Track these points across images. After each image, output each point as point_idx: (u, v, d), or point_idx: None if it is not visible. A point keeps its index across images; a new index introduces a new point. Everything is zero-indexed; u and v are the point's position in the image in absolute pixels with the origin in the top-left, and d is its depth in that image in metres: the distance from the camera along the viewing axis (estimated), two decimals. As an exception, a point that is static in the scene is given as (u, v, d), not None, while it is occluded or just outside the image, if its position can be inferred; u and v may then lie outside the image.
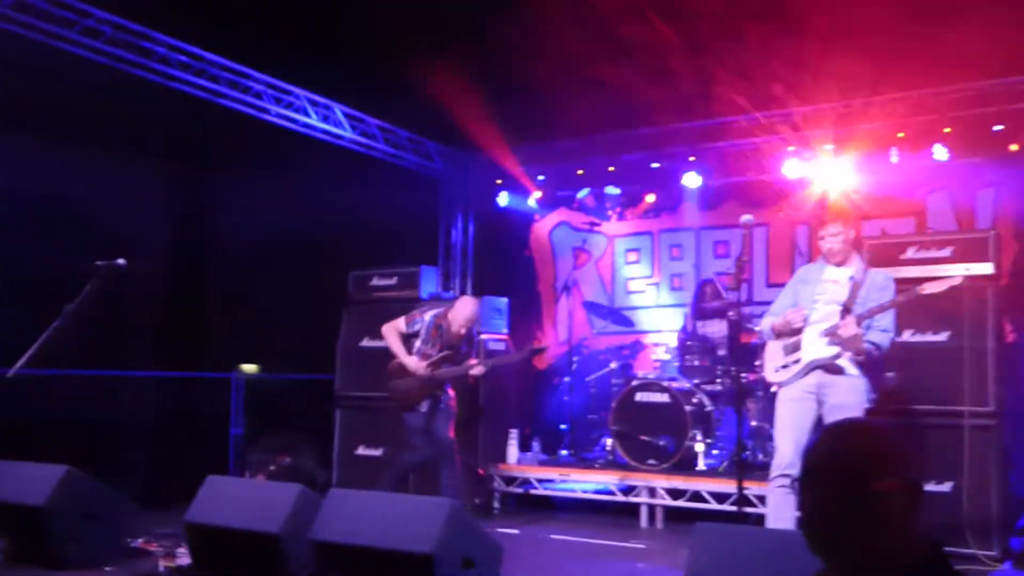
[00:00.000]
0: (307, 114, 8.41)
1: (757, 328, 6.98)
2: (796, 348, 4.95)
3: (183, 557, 5.06)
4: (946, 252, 5.91)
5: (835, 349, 4.78)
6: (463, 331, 6.35)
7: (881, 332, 4.81)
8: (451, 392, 6.40)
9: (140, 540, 5.67)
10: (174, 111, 7.95)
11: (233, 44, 7.56)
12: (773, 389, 5.26)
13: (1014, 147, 7.45)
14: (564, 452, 7.86)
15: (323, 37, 7.81)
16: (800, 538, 3.77)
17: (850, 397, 4.78)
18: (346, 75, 8.25)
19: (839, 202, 5.43)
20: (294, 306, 8.62)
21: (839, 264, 4.98)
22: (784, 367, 5.00)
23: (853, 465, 1.86)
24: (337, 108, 8.63)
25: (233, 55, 7.63)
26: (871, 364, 4.87)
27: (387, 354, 7.74)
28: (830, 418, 4.73)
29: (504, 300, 7.76)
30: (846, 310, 4.77)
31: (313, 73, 8.12)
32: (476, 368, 6.26)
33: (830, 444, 1.94)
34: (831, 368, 4.83)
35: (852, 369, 4.82)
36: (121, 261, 5.99)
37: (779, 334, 5.07)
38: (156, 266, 8.42)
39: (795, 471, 4.72)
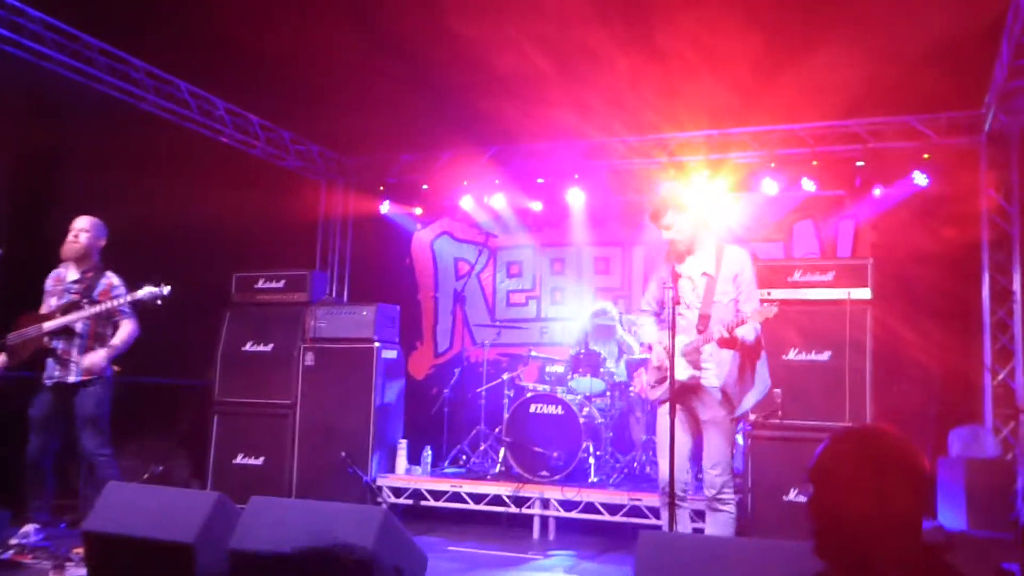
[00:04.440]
0: (188, 106, 8.05)
1: (637, 328, 6.84)
2: (664, 366, 4.71)
3: (72, 569, 4.69)
4: (829, 276, 6.30)
5: (692, 371, 4.68)
6: (64, 252, 5.91)
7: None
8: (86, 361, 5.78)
9: (10, 552, 5.24)
10: (37, 92, 7.41)
11: (114, 29, 7.15)
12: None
13: (878, 192, 8.06)
14: (449, 463, 7.82)
15: (209, 30, 7.49)
16: (740, 545, 3.93)
17: (715, 412, 4.70)
18: (231, 70, 7.94)
19: (668, 192, 4.89)
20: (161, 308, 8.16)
21: (689, 254, 4.75)
22: (658, 383, 4.87)
23: (858, 467, 1.95)
24: (219, 103, 8.30)
25: (113, 40, 7.23)
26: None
27: (270, 358, 7.53)
28: (704, 432, 4.75)
29: (397, 308, 7.64)
30: (704, 318, 4.65)
31: (197, 66, 7.78)
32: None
33: (838, 447, 2.03)
34: (692, 387, 4.72)
35: (714, 381, 4.70)
36: (-2, 250, 5.60)
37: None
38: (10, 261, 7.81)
39: (677, 488, 4.52)
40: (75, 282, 5.93)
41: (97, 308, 5.75)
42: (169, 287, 5.66)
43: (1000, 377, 7.54)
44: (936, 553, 1.96)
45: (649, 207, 4.85)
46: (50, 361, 5.79)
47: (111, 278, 5.97)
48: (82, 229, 5.97)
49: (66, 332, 5.79)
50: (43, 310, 5.94)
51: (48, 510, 5.88)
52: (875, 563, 1.92)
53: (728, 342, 4.57)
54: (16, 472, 5.88)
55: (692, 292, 4.74)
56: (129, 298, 5.69)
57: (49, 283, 6.03)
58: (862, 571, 1.95)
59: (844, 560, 1.97)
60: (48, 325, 5.77)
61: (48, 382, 5.80)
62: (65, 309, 5.81)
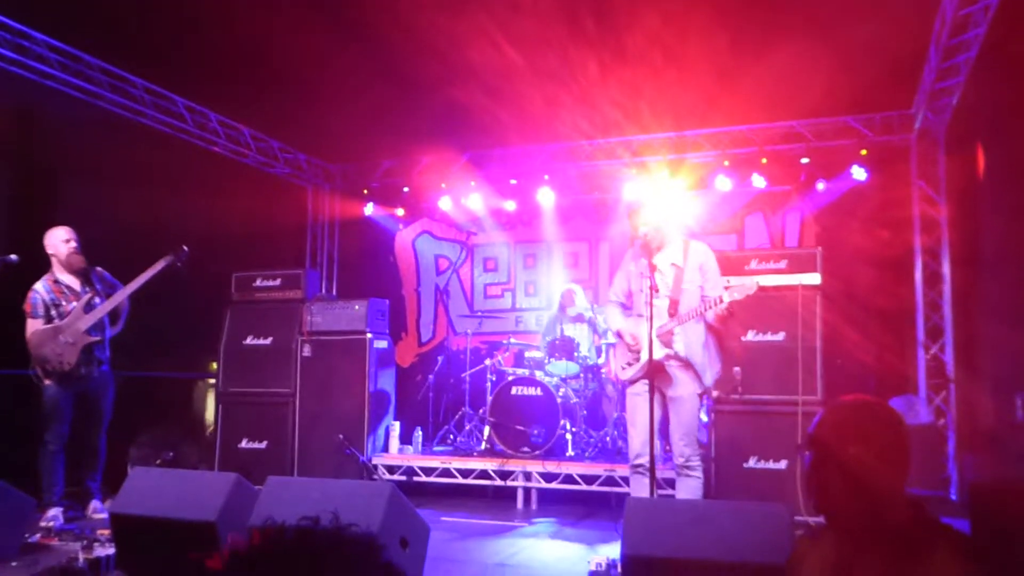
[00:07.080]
0: (184, 120, 8.07)
1: (602, 319, 7.33)
2: (637, 348, 5.01)
3: (100, 549, 4.75)
4: (782, 264, 6.48)
5: (665, 350, 4.89)
6: (73, 263, 6.00)
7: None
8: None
9: (38, 536, 5.28)
10: (42, 109, 7.41)
11: (114, 50, 7.15)
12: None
13: (821, 186, 8.29)
14: (437, 442, 7.94)
15: (203, 49, 7.52)
16: (715, 506, 4.07)
17: (684, 388, 4.93)
18: (224, 86, 7.97)
19: (637, 203, 5.34)
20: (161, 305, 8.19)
21: (659, 249, 5.02)
22: (629, 364, 5.08)
23: (835, 433, 2.04)
24: (212, 115, 8.33)
25: (114, 59, 7.24)
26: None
27: (270, 350, 7.58)
28: (671, 407, 4.94)
29: (386, 302, 7.73)
30: (674, 303, 4.90)
31: (192, 81, 7.80)
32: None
33: (825, 417, 2.11)
34: (664, 365, 4.91)
35: (684, 357, 4.92)
36: (13, 257, 5.65)
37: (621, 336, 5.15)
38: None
39: (644, 460, 4.82)
40: (84, 284, 6.09)
41: (133, 286, 6.03)
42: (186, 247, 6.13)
43: (932, 351, 7.80)
44: (921, 506, 2.04)
45: (627, 209, 5.08)
46: (84, 354, 5.92)
47: (101, 270, 6.21)
48: (75, 239, 6.09)
49: (98, 324, 5.99)
50: (55, 318, 5.93)
51: (63, 495, 5.97)
52: (868, 517, 2.01)
53: (724, 318, 4.85)
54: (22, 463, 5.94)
55: (662, 281, 4.98)
56: (159, 267, 6.07)
57: (48, 294, 5.95)
58: (856, 525, 2.03)
59: (840, 515, 2.06)
60: (84, 323, 5.91)
61: (95, 372, 5.97)
62: (88, 305, 5.98)
